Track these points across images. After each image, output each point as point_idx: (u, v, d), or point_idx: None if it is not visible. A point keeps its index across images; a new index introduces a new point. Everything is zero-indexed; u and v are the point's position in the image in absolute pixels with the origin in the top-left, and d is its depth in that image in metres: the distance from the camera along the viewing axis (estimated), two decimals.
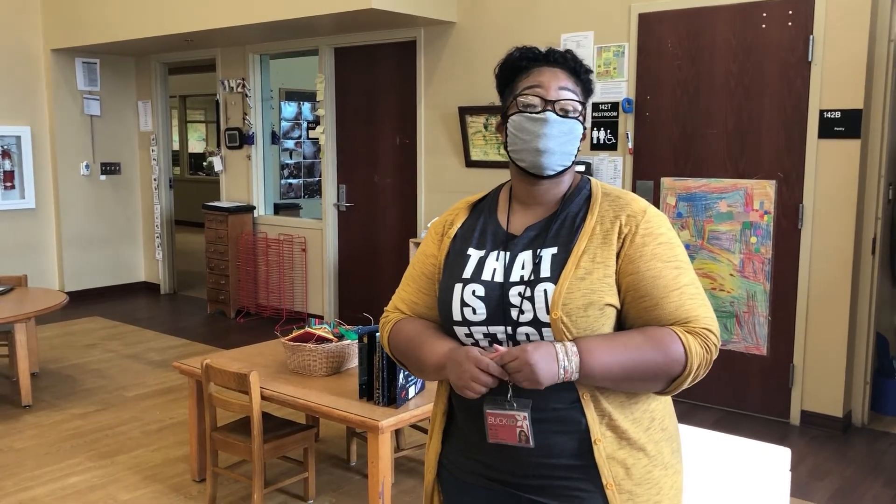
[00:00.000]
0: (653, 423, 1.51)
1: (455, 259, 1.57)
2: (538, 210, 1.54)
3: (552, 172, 1.50)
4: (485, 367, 1.39)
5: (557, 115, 1.48)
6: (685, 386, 1.45)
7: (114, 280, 8.17)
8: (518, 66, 1.54)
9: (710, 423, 4.40)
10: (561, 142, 1.48)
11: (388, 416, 2.92)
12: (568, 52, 1.55)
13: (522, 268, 1.48)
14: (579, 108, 1.51)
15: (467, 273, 1.52)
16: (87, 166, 7.81)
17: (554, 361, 1.37)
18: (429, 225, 1.68)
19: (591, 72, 1.58)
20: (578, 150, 1.53)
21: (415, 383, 3.10)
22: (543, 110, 1.48)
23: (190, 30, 6.21)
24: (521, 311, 1.45)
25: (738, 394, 4.65)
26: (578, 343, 1.40)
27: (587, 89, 1.56)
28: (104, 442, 4.22)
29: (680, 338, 1.41)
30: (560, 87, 1.49)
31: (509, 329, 1.46)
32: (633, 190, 4.90)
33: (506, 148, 1.55)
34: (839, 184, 4.26)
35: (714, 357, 1.45)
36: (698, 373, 1.44)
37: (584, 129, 1.53)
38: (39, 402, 4.81)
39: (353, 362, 3.45)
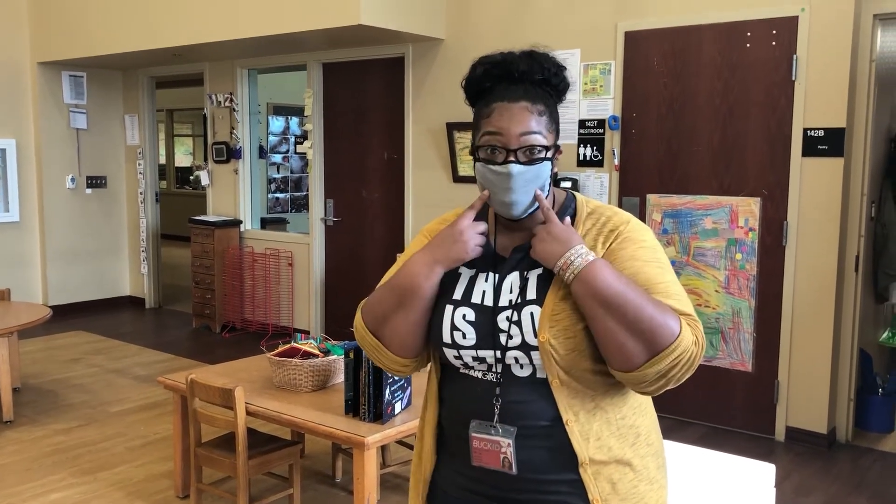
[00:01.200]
0: (638, 439, 1.51)
1: (445, 273, 1.56)
2: (524, 232, 1.53)
3: (524, 216, 1.49)
4: (470, 226, 1.46)
5: (521, 163, 1.42)
6: (662, 367, 1.33)
7: (99, 294, 8.11)
8: (482, 88, 1.50)
9: (695, 439, 4.41)
10: (527, 189, 1.44)
11: (374, 432, 2.91)
12: (533, 53, 1.48)
13: (511, 291, 1.48)
14: (546, 143, 1.45)
15: (458, 294, 1.52)
16: (72, 180, 7.77)
17: (565, 247, 1.38)
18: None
19: (564, 68, 1.51)
20: (556, 174, 1.50)
21: (401, 399, 3.10)
22: (506, 161, 1.43)
23: (178, 44, 6.21)
24: (510, 336, 1.45)
25: (723, 410, 4.66)
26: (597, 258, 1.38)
27: (560, 90, 1.50)
28: (87, 458, 4.18)
29: (678, 316, 1.36)
30: (521, 132, 1.42)
31: (498, 353, 1.46)
32: (619, 206, 4.92)
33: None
34: (823, 201, 4.31)
35: (697, 358, 1.37)
36: (680, 362, 1.34)
37: (559, 152, 1.49)
38: (21, 418, 4.76)
39: (339, 378, 3.44)
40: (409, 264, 1.50)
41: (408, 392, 3.15)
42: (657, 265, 1.44)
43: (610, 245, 1.47)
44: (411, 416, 3.06)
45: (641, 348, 1.34)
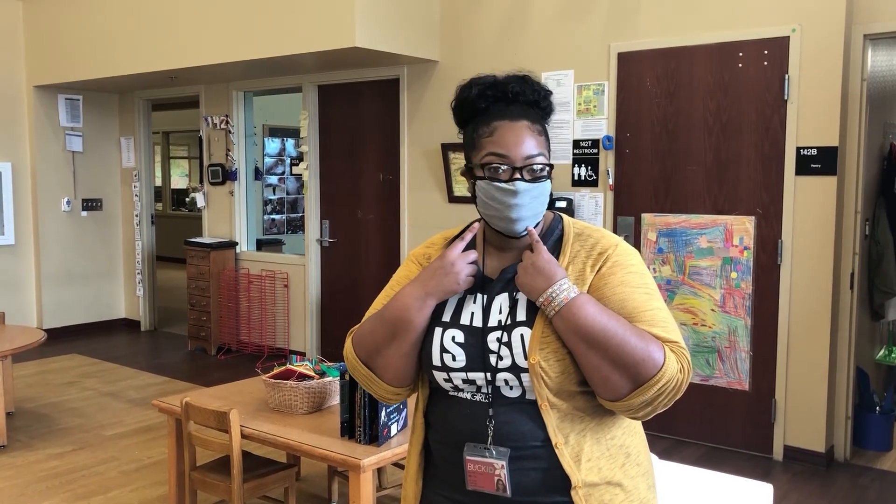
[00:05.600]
0: (628, 460, 1.50)
1: None
2: (513, 253, 1.53)
3: (526, 233, 1.49)
4: (460, 256, 1.47)
5: (526, 181, 1.45)
6: (647, 397, 1.36)
7: (94, 317, 8.08)
8: (477, 108, 1.51)
9: (692, 460, 4.39)
10: (532, 206, 1.46)
11: (370, 454, 2.89)
12: (525, 78, 1.51)
13: (500, 312, 1.48)
14: (545, 161, 1.48)
15: (446, 316, 1.51)
16: (68, 202, 7.78)
17: (548, 282, 1.39)
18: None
19: (551, 93, 1.54)
20: (551, 194, 1.52)
21: (397, 421, 3.08)
22: (511, 179, 1.44)
23: (174, 67, 6.24)
24: (500, 358, 1.44)
25: (720, 429, 4.65)
26: (580, 293, 1.40)
27: (547, 112, 1.53)
28: (81, 482, 4.14)
29: (662, 346, 1.37)
30: (526, 155, 1.45)
31: (488, 375, 1.46)
32: (614, 226, 4.94)
33: (475, 203, 1.52)
34: (817, 219, 4.32)
35: (684, 385, 1.39)
36: (665, 391, 1.36)
37: (551, 170, 1.51)
38: (14, 442, 4.73)
39: (335, 400, 3.42)
40: (400, 297, 1.50)
41: (403, 414, 3.13)
42: (644, 291, 1.45)
43: (599, 269, 1.47)
44: (407, 438, 3.04)
45: (626, 380, 1.36)
